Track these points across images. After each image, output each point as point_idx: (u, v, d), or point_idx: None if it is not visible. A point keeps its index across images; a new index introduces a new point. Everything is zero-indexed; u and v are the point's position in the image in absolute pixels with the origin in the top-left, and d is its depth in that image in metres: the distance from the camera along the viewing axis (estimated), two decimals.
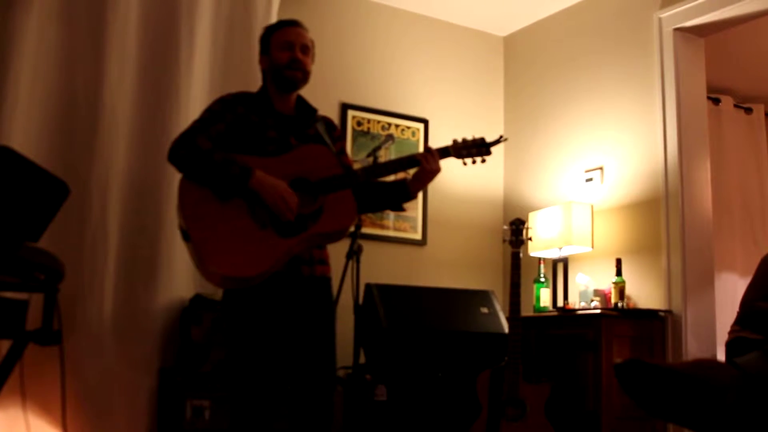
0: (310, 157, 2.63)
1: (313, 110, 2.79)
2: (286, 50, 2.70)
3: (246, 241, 2.47)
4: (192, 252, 2.49)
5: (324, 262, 2.73)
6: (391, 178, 2.79)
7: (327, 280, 2.73)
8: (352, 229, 2.74)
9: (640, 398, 2.08)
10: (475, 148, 2.81)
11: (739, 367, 2.00)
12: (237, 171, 2.48)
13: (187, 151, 2.53)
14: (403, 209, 2.89)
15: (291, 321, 2.61)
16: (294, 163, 2.60)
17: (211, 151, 2.52)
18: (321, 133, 2.75)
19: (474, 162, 2.81)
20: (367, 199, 2.78)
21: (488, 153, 2.83)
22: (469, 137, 2.84)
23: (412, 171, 2.77)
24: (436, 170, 2.74)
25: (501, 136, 2.90)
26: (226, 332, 2.64)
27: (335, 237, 2.63)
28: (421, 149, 4.89)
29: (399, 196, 2.82)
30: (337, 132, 2.87)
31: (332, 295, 2.76)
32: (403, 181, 2.79)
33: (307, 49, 2.74)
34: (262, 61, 2.78)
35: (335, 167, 2.64)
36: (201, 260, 2.44)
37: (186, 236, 2.48)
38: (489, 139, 2.85)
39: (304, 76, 2.73)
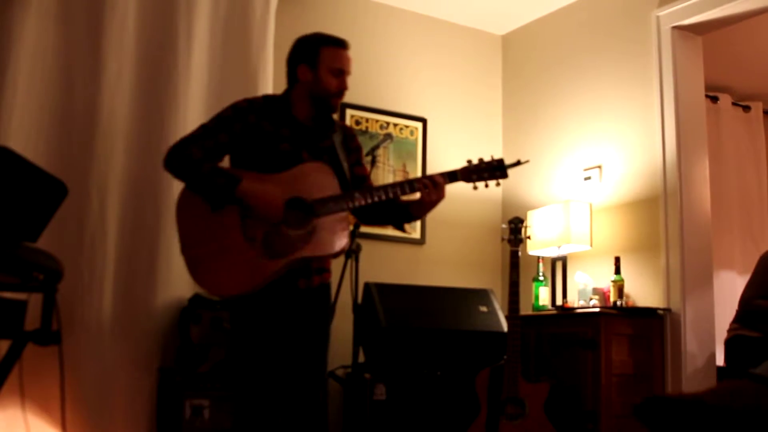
0: (309, 175, 2.58)
1: (332, 121, 2.73)
2: (337, 77, 2.65)
3: (232, 261, 2.50)
4: (185, 263, 2.57)
5: (323, 270, 2.70)
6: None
7: (326, 288, 2.72)
8: (350, 227, 2.72)
9: None
10: (487, 172, 2.65)
11: (759, 379, 1.89)
12: (222, 181, 2.50)
13: (179, 161, 2.56)
14: (403, 229, 2.86)
15: (287, 329, 2.62)
16: (291, 182, 2.56)
17: (200, 162, 2.53)
18: (336, 146, 2.69)
19: (486, 186, 2.64)
20: (369, 213, 2.76)
21: (504, 176, 2.64)
22: (486, 158, 2.67)
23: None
24: (437, 200, 2.62)
25: (519, 160, 2.72)
26: (231, 334, 2.68)
27: (323, 260, 2.64)
28: (419, 148, 4.89)
29: (401, 218, 2.78)
30: (354, 142, 2.81)
31: (330, 301, 2.75)
32: (407, 204, 2.72)
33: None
34: (302, 72, 2.66)
35: (333, 187, 2.59)
36: (191, 275, 2.54)
37: (181, 249, 2.57)
38: (507, 161, 2.69)
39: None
